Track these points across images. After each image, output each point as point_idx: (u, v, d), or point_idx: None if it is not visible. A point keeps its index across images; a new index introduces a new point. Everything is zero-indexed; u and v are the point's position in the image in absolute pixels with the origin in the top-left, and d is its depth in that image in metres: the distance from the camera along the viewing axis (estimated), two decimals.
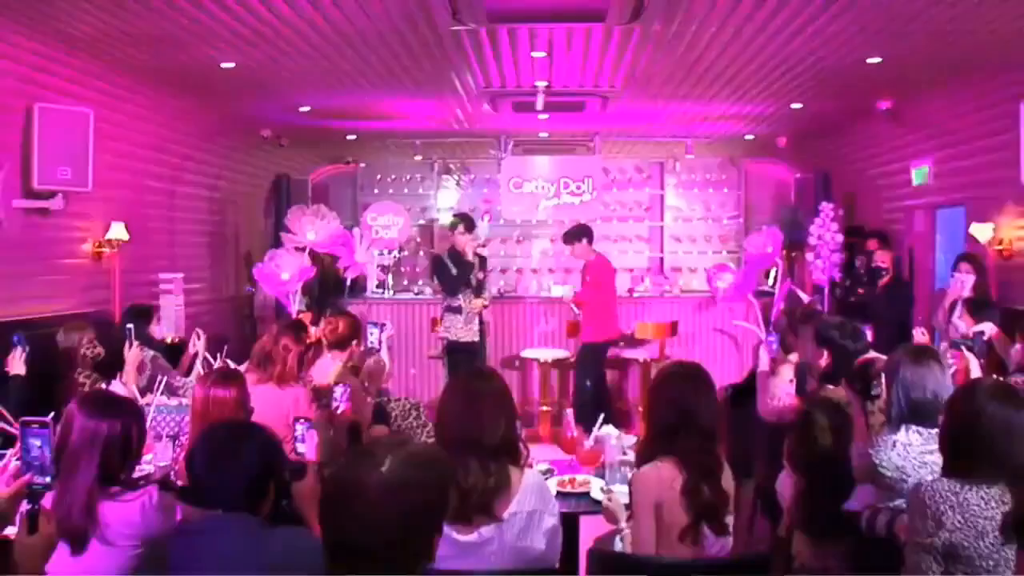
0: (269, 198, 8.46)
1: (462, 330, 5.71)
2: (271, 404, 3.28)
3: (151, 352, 4.02)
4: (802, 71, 5.40)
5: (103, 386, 3.46)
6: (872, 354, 3.04)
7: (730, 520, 2.30)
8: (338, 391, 3.39)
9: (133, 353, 3.65)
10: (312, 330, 4.17)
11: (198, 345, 4.20)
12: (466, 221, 5.84)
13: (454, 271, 5.72)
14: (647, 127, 7.86)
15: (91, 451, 2.05)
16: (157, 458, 3.10)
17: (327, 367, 3.93)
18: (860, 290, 6.37)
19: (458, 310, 5.72)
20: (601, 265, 6.12)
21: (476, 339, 5.68)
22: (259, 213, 8.47)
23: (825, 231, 6.61)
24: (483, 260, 5.88)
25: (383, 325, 4.24)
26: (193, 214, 6.93)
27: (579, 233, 6.02)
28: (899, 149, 6.72)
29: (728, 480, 2.34)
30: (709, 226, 8.67)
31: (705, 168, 8.65)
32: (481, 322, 5.76)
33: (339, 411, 3.40)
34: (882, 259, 6.19)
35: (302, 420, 2.84)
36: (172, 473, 2.97)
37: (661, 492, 2.26)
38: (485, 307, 5.80)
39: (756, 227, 7.43)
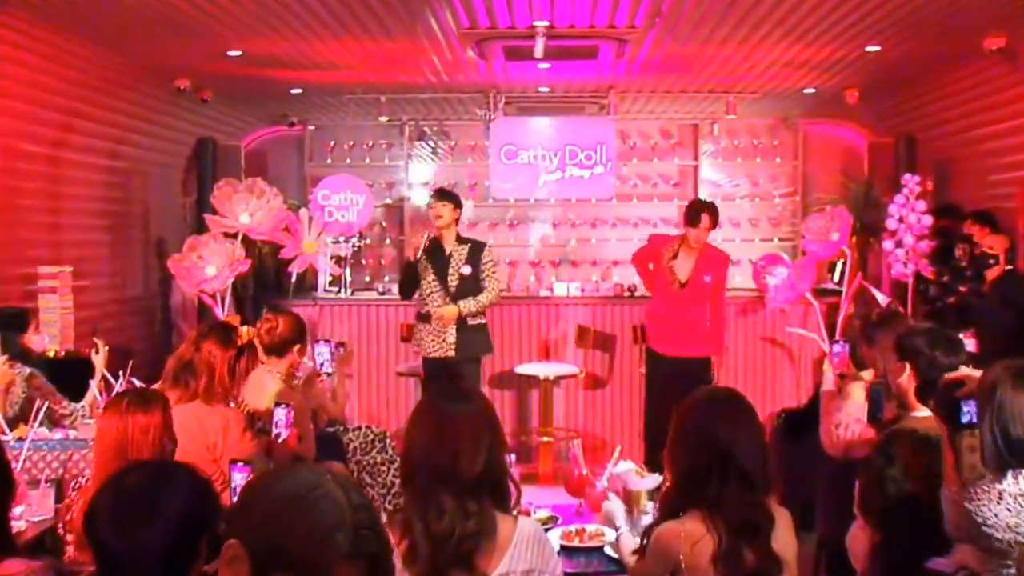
0: (189, 169, 8.40)
1: (430, 342, 5.60)
2: (193, 429, 3.28)
3: (27, 369, 3.98)
4: (881, 1, 5.36)
5: None
6: (963, 371, 3.00)
7: None
8: (279, 413, 3.39)
9: (0, 371, 3.61)
10: (243, 331, 4.15)
11: (96, 359, 4.16)
12: (434, 194, 5.82)
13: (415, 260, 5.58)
14: (677, 79, 7.83)
15: None
16: (32, 511, 3.04)
17: (264, 383, 3.92)
18: (962, 287, 6.27)
19: (426, 318, 5.63)
20: (727, 259, 6.11)
21: (451, 353, 5.54)
22: (175, 188, 8.41)
23: (909, 212, 6.58)
24: (476, 247, 5.66)
25: (339, 345, 4.22)
26: (85, 188, 6.84)
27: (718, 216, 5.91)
28: (1015, 102, 6.64)
29: (785, 539, 2.33)
30: (756, 206, 8.66)
31: (751, 131, 8.64)
32: (466, 329, 5.61)
33: (280, 439, 3.38)
34: (991, 244, 6.08)
35: (240, 464, 2.82)
36: (61, 527, 2.92)
37: (681, 556, 2.25)
38: (467, 313, 5.54)
39: (817, 207, 7.40)
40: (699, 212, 5.73)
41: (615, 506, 2.91)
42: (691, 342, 5.78)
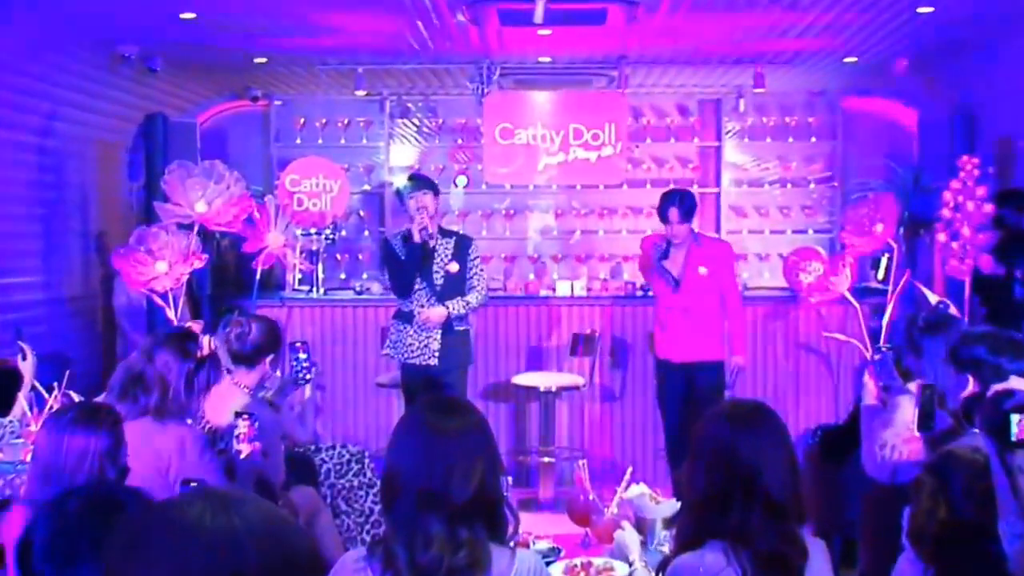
0: (135, 149, 8.38)
1: (411, 347, 5.62)
2: (143, 450, 3.28)
3: None
4: None
5: None
6: (1014, 381, 2.99)
7: None
8: (240, 425, 3.39)
9: None
10: (205, 341, 4.16)
11: (24, 367, 4.14)
12: (414, 181, 5.80)
13: (402, 258, 5.63)
14: (696, 47, 7.80)
15: None
16: None
17: (229, 397, 3.92)
18: None
19: (407, 317, 5.65)
20: (729, 248, 6.19)
21: (434, 362, 5.58)
22: (120, 172, 8.38)
23: (965, 199, 6.57)
24: (463, 242, 5.74)
25: (313, 364, 4.22)
26: (11, 171, 6.80)
27: (695, 203, 5.96)
28: None
29: (821, 575, 2.34)
30: (788, 193, 8.66)
31: (782, 107, 8.65)
32: (452, 334, 5.64)
33: (242, 455, 3.39)
34: None
35: (194, 486, 2.82)
36: None
37: None
38: (455, 316, 5.59)
39: (859, 194, 7.38)
40: (666, 208, 5.78)
41: (629, 537, 2.90)
42: (697, 345, 5.80)
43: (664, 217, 5.78)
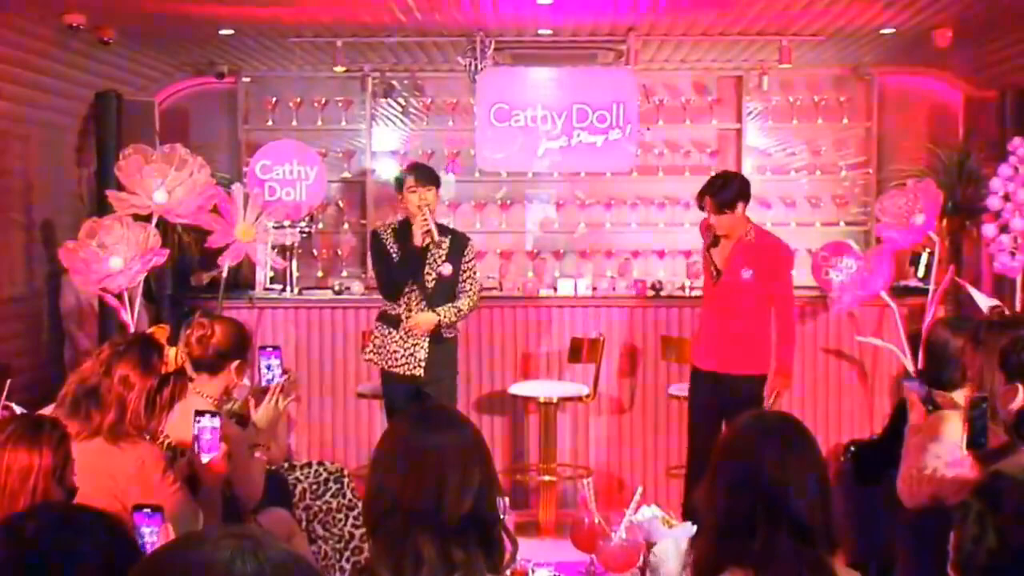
0: (85, 132, 8.36)
1: (396, 354, 5.66)
2: (99, 472, 3.29)
3: None
4: None
5: None
6: None
7: None
8: (204, 423, 3.43)
9: None
10: (171, 353, 4.16)
11: None
12: (419, 173, 5.80)
13: (395, 258, 5.67)
14: (715, 18, 7.81)
15: None
16: None
17: (190, 408, 3.91)
18: None
19: (393, 322, 5.68)
20: (786, 251, 6.02)
21: (419, 372, 5.63)
22: (67, 157, 8.36)
23: (1017, 187, 6.59)
24: (459, 242, 5.76)
25: (285, 372, 4.23)
26: None
27: (738, 192, 5.81)
28: None
29: None
30: (817, 181, 8.69)
31: (811, 85, 8.67)
32: (441, 343, 5.68)
33: (203, 459, 3.40)
34: None
35: (148, 511, 2.84)
36: None
37: None
38: (446, 324, 5.65)
39: (897, 181, 7.39)
40: (700, 197, 5.81)
41: (672, 550, 2.82)
42: (731, 355, 5.74)
43: (700, 206, 5.80)
